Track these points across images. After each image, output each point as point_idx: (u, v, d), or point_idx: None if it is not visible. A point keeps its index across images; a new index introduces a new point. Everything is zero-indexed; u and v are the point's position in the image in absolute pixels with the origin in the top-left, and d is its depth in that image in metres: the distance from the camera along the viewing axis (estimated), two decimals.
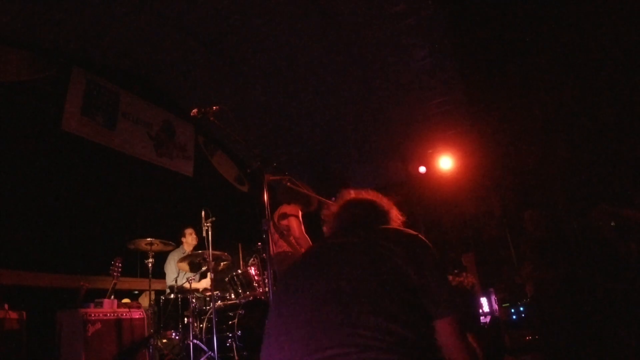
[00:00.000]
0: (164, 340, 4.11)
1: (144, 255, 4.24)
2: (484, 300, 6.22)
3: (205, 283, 4.78)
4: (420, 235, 1.30)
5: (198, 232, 4.85)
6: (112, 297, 3.72)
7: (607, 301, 3.99)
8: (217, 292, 4.32)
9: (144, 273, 4.62)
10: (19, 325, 3.29)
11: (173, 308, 4.16)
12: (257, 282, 4.18)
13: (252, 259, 4.37)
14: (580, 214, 5.70)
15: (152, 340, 3.79)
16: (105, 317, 3.50)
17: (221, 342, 3.69)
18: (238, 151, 7.54)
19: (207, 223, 4.09)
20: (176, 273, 4.86)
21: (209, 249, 4.01)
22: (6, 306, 3.26)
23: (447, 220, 8.19)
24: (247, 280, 4.18)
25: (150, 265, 4.12)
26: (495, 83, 6.17)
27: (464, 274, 6.51)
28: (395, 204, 1.62)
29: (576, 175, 6.34)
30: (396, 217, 1.61)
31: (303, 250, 3.46)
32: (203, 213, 4.12)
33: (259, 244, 4.29)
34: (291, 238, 3.63)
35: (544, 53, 5.58)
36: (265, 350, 1.15)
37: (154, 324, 4.00)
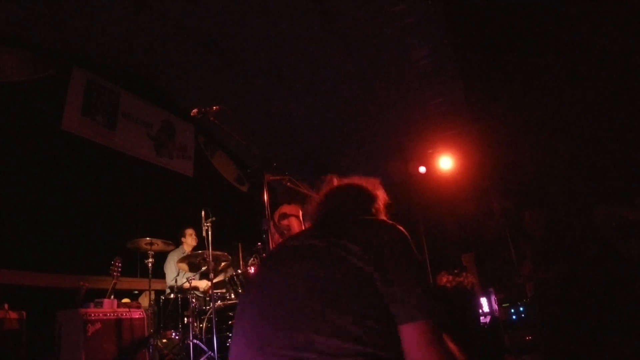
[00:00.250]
0: (164, 340, 4.11)
1: (144, 255, 4.24)
2: (483, 300, 6.22)
3: (206, 284, 4.79)
4: (395, 229, 1.14)
5: (198, 232, 4.85)
6: (112, 297, 3.73)
7: (607, 301, 3.99)
8: (218, 291, 4.33)
9: (144, 273, 4.62)
10: (19, 325, 3.29)
11: (173, 308, 4.16)
12: None
13: (252, 259, 4.37)
14: (580, 214, 5.70)
15: (152, 340, 3.79)
16: (105, 317, 3.50)
17: (221, 342, 3.69)
18: (238, 151, 7.55)
19: (207, 223, 4.09)
20: (176, 273, 4.86)
21: (209, 249, 4.01)
22: (6, 306, 3.26)
23: (447, 220, 8.19)
24: (247, 280, 4.18)
25: (150, 265, 4.12)
26: (495, 83, 6.17)
27: (464, 274, 6.50)
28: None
29: (576, 175, 6.33)
30: (382, 206, 1.43)
31: None
32: (203, 213, 4.12)
33: (259, 244, 4.30)
34: None
35: (544, 53, 5.58)
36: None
37: (154, 324, 4.00)
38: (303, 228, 3.72)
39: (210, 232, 4.06)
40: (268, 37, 5.10)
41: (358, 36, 5.18)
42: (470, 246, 8.02)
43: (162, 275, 5.02)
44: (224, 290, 4.35)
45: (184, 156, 6.53)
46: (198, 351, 3.73)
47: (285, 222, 3.70)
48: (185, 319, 4.06)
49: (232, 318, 3.86)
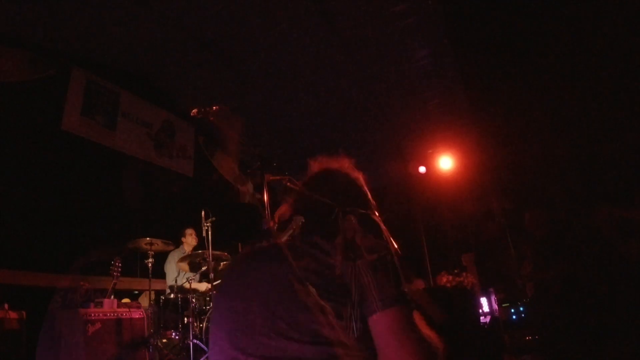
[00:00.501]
0: (164, 340, 4.11)
1: (144, 255, 4.24)
2: (484, 300, 6.22)
3: (206, 286, 4.79)
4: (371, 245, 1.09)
5: (198, 232, 4.85)
6: (112, 297, 3.72)
7: (607, 301, 3.99)
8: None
9: (144, 273, 4.62)
10: (19, 325, 3.29)
11: (173, 308, 4.16)
12: None
13: None
14: (580, 214, 5.70)
15: (152, 340, 3.79)
16: (105, 317, 3.50)
17: None
18: (238, 151, 7.55)
19: (207, 223, 4.09)
20: (176, 273, 4.86)
21: (209, 249, 4.01)
22: (6, 306, 3.26)
23: (447, 220, 8.19)
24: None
25: (150, 265, 4.12)
26: (496, 83, 6.17)
27: (464, 274, 6.51)
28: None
29: (576, 175, 6.33)
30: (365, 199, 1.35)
31: None
32: (203, 213, 4.12)
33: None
34: None
35: (544, 53, 5.58)
36: None
37: (154, 324, 4.00)
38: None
39: (210, 232, 4.06)
40: (268, 37, 5.10)
41: (358, 36, 5.18)
42: (470, 246, 8.02)
43: (162, 275, 5.01)
44: None
45: (184, 156, 6.53)
46: (198, 351, 3.73)
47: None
48: (185, 319, 4.06)
49: None
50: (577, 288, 4.07)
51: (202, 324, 4.04)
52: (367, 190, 1.36)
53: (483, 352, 3.88)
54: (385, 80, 6.07)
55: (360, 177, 1.36)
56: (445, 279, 6.42)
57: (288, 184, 3.52)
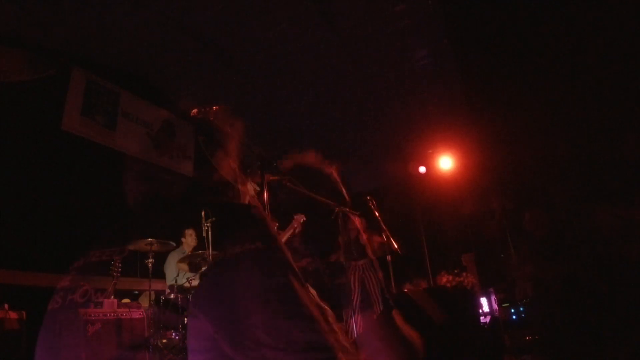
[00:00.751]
0: (164, 341, 4.11)
1: (144, 255, 4.24)
2: (484, 300, 6.23)
3: None
4: None
5: (198, 232, 4.85)
6: (112, 297, 3.72)
7: (607, 301, 3.99)
8: None
9: (144, 273, 4.61)
10: (19, 325, 3.29)
11: (173, 308, 4.15)
12: None
13: None
14: (580, 214, 5.70)
15: (152, 340, 3.78)
16: (105, 317, 3.49)
17: None
18: (238, 151, 7.53)
19: (207, 223, 4.08)
20: (176, 273, 4.86)
21: (208, 249, 4.01)
22: (6, 306, 3.26)
23: (447, 220, 8.19)
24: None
25: (150, 265, 4.12)
26: (495, 83, 6.17)
27: (464, 274, 6.52)
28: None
29: (576, 175, 6.33)
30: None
31: None
32: (203, 213, 4.12)
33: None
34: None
35: (544, 53, 5.58)
36: None
37: (154, 324, 4.00)
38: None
39: (210, 232, 4.05)
40: (268, 37, 5.10)
41: (358, 36, 5.18)
42: (470, 246, 8.02)
43: (162, 276, 5.01)
44: None
45: (184, 156, 6.52)
46: None
47: None
48: (185, 319, 4.06)
49: None
50: (577, 288, 4.07)
51: None
52: (342, 186, 1.35)
53: (483, 352, 3.88)
54: (385, 80, 6.07)
55: (334, 171, 1.34)
56: (445, 279, 6.43)
57: (288, 184, 3.52)
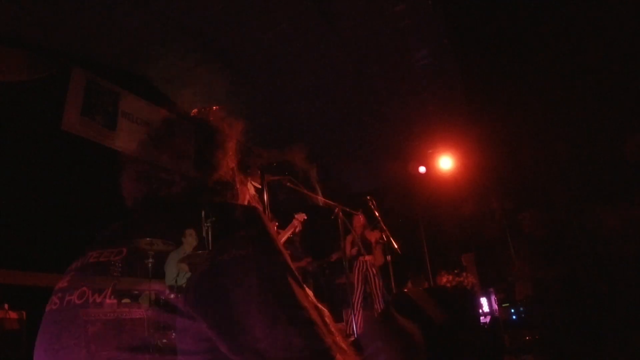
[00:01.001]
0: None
1: (144, 255, 4.23)
2: (484, 300, 6.23)
3: None
4: None
5: (198, 232, 4.84)
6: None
7: (607, 301, 3.99)
8: None
9: (143, 273, 4.61)
10: (19, 325, 3.29)
11: (173, 308, 4.14)
12: None
13: None
14: (580, 214, 5.70)
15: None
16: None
17: None
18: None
19: (207, 223, 4.08)
20: (176, 273, 4.86)
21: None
22: (6, 306, 3.26)
23: (447, 220, 8.19)
24: None
25: (150, 265, 4.11)
26: (495, 83, 6.17)
27: (464, 274, 6.52)
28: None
29: (576, 175, 6.34)
30: None
31: None
32: (203, 213, 4.11)
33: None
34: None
35: (544, 53, 5.58)
36: None
37: (154, 324, 4.00)
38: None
39: (210, 232, 4.05)
40: (268, 37, 5.10)
41: (358, 36, 5.18)
42: (470, 246, 8.02)
43: (162, 276, 5.01)
44: None
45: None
46: None
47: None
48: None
49: None
50: (577, 288, 4.08)
51: None
52: (317, 185, 1.35)
53: (483, 352, 3.88)
54: (385, 80, 6.07)
55: (312, 170, 1.34)
56: (445, 279, 6.43)
57: (288, 184, 3.52)
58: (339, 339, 0.93)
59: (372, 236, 6.58)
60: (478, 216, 7.93)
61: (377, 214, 5.05)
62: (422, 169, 7.87)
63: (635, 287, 3.90)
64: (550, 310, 4.14)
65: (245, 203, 1.55)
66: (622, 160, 5.57)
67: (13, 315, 3.27)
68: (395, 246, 5.01)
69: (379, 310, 6.00)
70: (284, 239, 4.45)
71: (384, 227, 5.02)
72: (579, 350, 3.85)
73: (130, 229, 1.09)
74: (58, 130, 4.77)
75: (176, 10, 4.72)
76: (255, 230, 0.97)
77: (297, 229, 4.61)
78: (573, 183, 6.36)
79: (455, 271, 6.41)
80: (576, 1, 4.96)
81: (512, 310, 6.33)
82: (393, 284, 5.25)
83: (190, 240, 4.45)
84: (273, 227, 3.22)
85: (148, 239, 1.09)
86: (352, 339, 3.75)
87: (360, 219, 6.49)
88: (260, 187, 2.97)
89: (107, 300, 0.92)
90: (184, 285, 0.91)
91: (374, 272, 6.47)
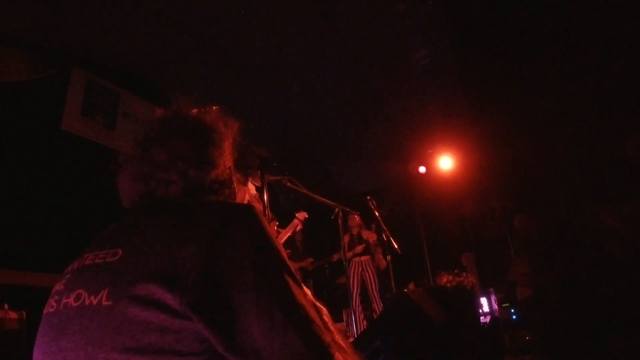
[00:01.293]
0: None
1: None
2: (484, 300, 6.23)
3: None
4: None
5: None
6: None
7: (607, 302, 3.99)
8: None
9: None
10: (19, 325, 3.29)
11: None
12: None
13: None
14: (580, 214, 5.70)
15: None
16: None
17: None
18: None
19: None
20: None
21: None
22: (6, 306, 3.26)
23: (447, 220, 8.19)
24: None
25: None
26: (495, 83, 6.17)
27: (464, 274, 6.52)
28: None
29: (576, 175, 6.33)
30: None
31: None
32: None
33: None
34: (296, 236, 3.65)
35: (544, 53, 5.58)
36: None
37: None
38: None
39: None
40: (268, 36, 5.10)
41: (358, 36, 5.18)
42: (470, 246, 8.02)
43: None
44: None
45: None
46: None
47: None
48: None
49: None
50: (577, 288, 4.07)
51: None
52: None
53: (483, 352, 3.88)
54: (385, 80, 6.07)
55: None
56: (445, 279, 6.43)
57: (288, 184, 3.52)
58: (337, 337, 0.93)
59: (370, 236, 6.58)
60: (478, 216, 7.93)
61: (377, 214, 5.04)
62: (422, 169, 7.87)
63: (635, 287, 3.90)
64: (550, 310, 4.14)
65: (245, 202, 1.54)
66: (622, 160, 5.57)
67: (13, 315, 3.27)
68: (395, 246, 5.00)
69: (378, 311, 6.00)
70: (284, 238, 4.45)
71: (384, 227, 5.02)
72: (579, 350, 3.85)
73: (126, 230, 1.08)
74: (58, 130, 4.77)
75: (176, 10, 4.72)
76: (252, 228, 0.97)
77: (298, 228, 4.61)
78: (573, 183, 6.36)
79: (455, 271, 6.41)
80: (576, 1, 4.96)
81: (512, 310, 6.34)
82: (393, 284, 5.25)
83: None
84: (273, 226, 3.22)
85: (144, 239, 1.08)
86: (352, 339, 3.74)
87: (355, 218, 6.48)
88: (260, 186, 2.97)
89: (104, 302, 0.91)
90: (180, 286, 0.89)
91: (371, 272, 6.47)
